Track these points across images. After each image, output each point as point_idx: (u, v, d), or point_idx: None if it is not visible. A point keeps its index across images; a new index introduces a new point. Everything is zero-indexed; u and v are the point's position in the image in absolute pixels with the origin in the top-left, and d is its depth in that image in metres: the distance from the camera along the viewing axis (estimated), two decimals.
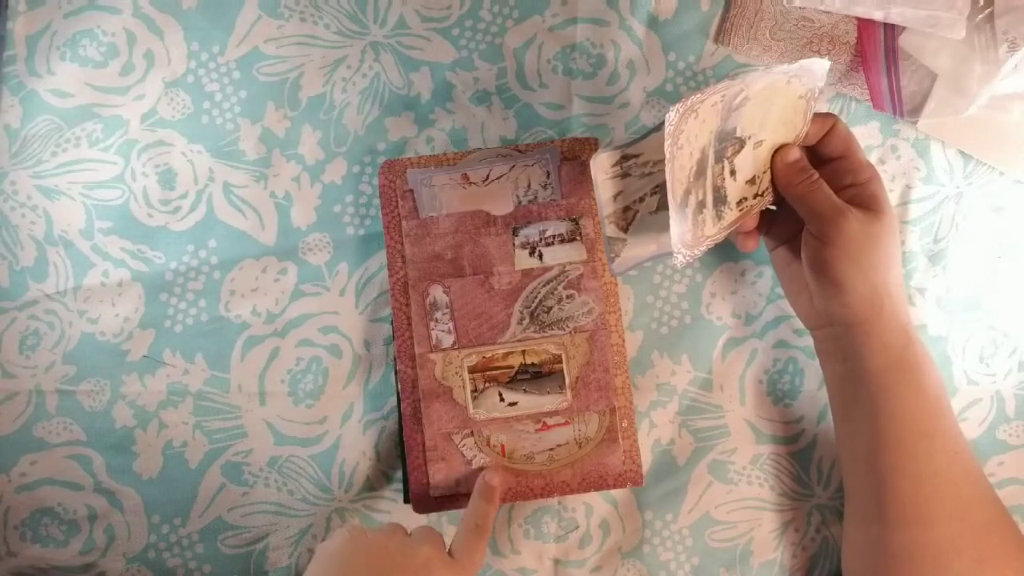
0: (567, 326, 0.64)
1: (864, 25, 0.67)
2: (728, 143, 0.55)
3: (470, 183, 0.65)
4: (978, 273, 0.68)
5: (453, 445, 0.64)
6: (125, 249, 0.69)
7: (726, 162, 0.56)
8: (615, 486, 0.64)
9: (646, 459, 0.67)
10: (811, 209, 0.58)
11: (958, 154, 0.68)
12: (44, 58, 0.69)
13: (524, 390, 0.64)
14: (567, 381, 0.64)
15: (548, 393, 0.64)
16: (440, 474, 0.64)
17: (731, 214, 0.58)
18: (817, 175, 0.59)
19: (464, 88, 0.69)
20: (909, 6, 0.66)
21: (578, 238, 0.65)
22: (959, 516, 0.58)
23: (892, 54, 0.67)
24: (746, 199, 0.59)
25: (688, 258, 0.55)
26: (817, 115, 0.59)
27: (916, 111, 0.67)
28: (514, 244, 0.65)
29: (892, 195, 0.68)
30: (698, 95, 0.50)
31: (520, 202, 0.65)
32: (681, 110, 0.50)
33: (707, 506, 0.67)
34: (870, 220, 0.57)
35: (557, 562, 0.67)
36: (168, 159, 0.69)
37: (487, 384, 0.64)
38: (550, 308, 0.65)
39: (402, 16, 0.69)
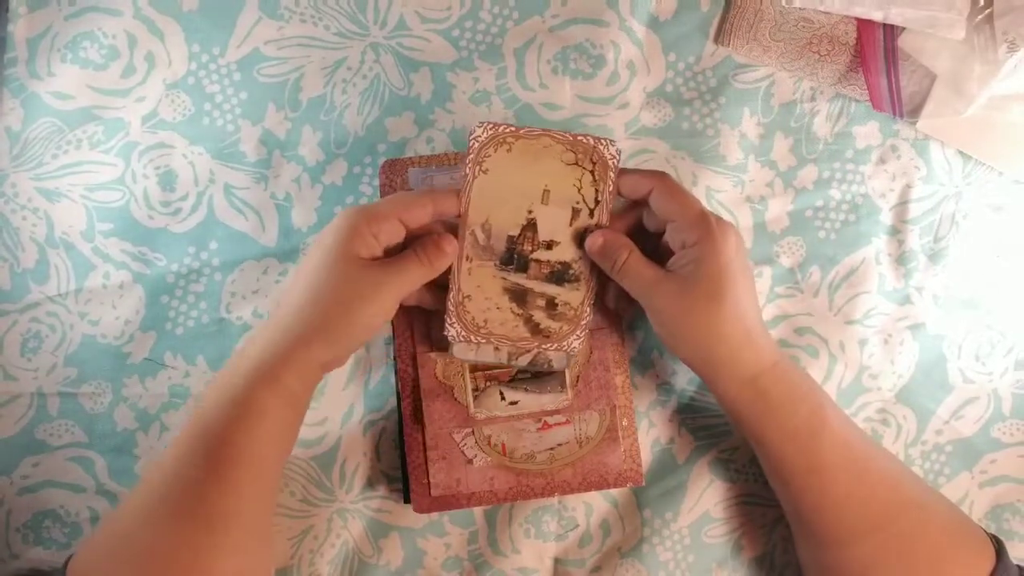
0: None
1: (863, 25, 0.69)
2: (519, 248, 0.61)
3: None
4: (977, 272, 0.69)
5: (454, 444, 0.66)
6: (126, 251, 0.70)
7: (535, 257, 0.61)
8: (615, 485, 0.66)
9: (646, 458, 0.69)
10: (627, 289, 0.60)
11: (957, 154, 0.69)
12: (45, 60, 0.70)
13: (525, 389, 0.66)
14: (568, 380, 0.66)
15: (549, 392, 0.66)
16: (441, 473, 0.66)
17: (583, 262, 0.62)
18: (624, 257, 0.59)
19: (464, 88, 0.71)
20: (908, 6, 0.67)
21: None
22: (876, 529, 0.58)
23: (891, 54, 0.69)
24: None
25: (581, 334, 0.62)
26: (637, 173, 0.60)
27: (915, 111, 0.68)
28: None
29: (892, 194, 0.70)
30: (450, 295, 0.61)
31: None
32: (454, 323, 0.61)
33: (707, 504, 0.69)
34: (686, 290, 0.56)
35: (557, 561, 0.69)
36: (169, 161, 0.70)
37: (488, 383, 0.66)
38: None
39: (402, 17, 0.71)
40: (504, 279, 0.61)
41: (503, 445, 0.66)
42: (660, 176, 0.59)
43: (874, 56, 0.69)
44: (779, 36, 0.70)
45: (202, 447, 0.55)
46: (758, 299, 0.62)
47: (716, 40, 0.71)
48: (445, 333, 0.61)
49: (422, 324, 0.66)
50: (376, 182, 0.70)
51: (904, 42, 0.68)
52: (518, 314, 0.62)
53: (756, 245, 0.70)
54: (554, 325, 0.62)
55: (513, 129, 0.58)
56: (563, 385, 0.66)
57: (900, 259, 0.69)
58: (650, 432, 0.69)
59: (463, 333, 0.62)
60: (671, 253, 0.59)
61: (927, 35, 0.68)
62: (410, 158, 0.68)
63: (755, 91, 0.70)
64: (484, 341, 0.62)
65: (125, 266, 0.70)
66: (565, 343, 0.62)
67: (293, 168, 0.70)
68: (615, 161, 0.60)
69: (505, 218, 0.60)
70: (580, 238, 0.61)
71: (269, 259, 0.70)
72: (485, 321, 0.62)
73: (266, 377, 0.55)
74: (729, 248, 0.56)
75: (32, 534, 0.69)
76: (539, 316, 0.62)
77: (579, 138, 0.59)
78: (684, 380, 0.69)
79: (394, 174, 0.68)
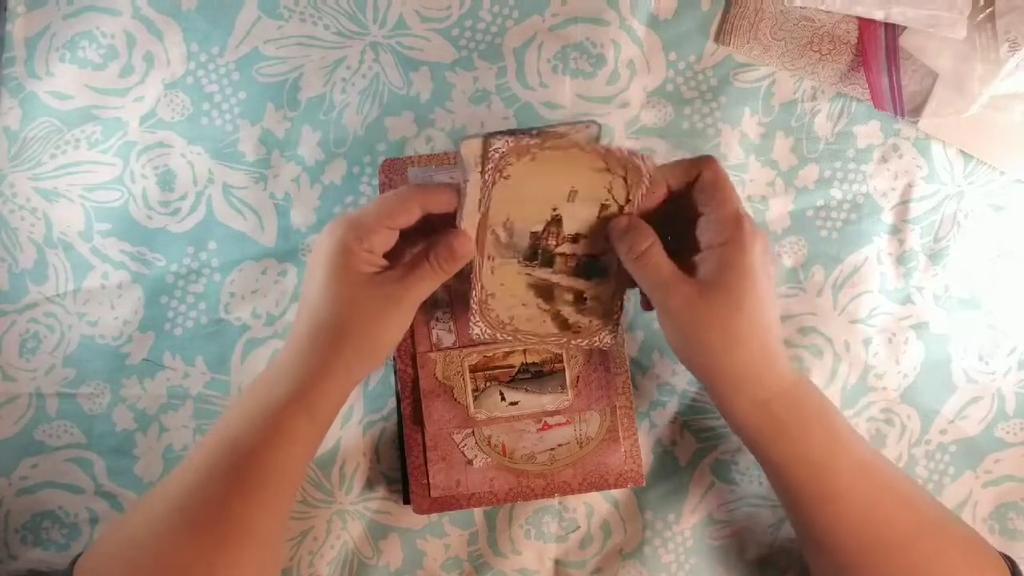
0: None
1: (865, 25, 0.70)
2: (543, 243, 0.59)
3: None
4: (978, 271, 0.71)
5: (454, 445, 0.67)
6: (124, 251, 0.71)
7: (560, 251, 0.60)
8: (616, 486, 0.67)
9: (647, 459, 0.70)
10: (640, 283, 0.57)
11: (959, 153, 0.70)
12: (43, 60, 0.71)
13: (525, 389, 0.67)
14: (568, 380, 0.67)
15: (549, 392, 0.67)
16: (440, 474, 0.67)
17: (613, 253, 0.59)
18: (645, 246, 0.56)
19: (464, 88, 0.72)
20: (910, 6, 0.68)
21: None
22: (894, 553, 0.57)
23: (893, 54, 0.70)
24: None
25: (614, 329, 0.61)
26: (685, 162, 0.57)
27: (917, 111, 0.70)
28: None
29: (893, 194, 0.71)
30: (473, 293, 0.59)
31: None
32: (478, 321, 0.60)
33: (709, 506, 0.70)
34: (705, 294, 0.54)
35: (558, 563, 0.70)
36: (167, 160, 0.72)
37: (488, 383, 0.67)
38: None
39: (402, 16, 0.72)
40: (529, 275, 0.60)
41: (503, 446, 0.67)
42: (711, 161, 0.56)
43: (875, 55, 0.70)
44: (780, 35, 0.71)
45: (228, 463, 0.55)
46: (779, 315, 0.60)
47: (717, 39, 0.72)
48: (470, 331, 0.61)
49: (422, 324, 0.67)
50: (375, 181, 0.71)
51: (905, 41, 0.69)
52: (545, 310, 0.61)
53: None
54: (583, 320, 0.61)
55: (534, 142, 0.54)
56: (563, 385, 0.67)
57: (900, 258, 0.71)
58: (651, 433, 0.71)
59: (488, 331, 0.61)
60: (694, 252, 0.56)
61: (928, 34, 0.69)
62: (410, 157, 0.69)
63: (756, 90, 0.71)
64: (511, 338, 0.61)
65: (124, 266, 0.71)
66: (596, 338, 0.61)
67: (292, 168, 0.72)
68: (649, 172, 0.56)
69: (528, 216, 0.58)
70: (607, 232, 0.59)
71: (268, 259, 0.71)
72: (511, 318, 0.61)
73: (298, 401, 0.56)
74: (756, 255, 0.54)
75: (31, 535, 0.71)
76: (567, 311, 0.61)
77: (612, 151, 0.55)
78: (685, 381, 0.71)
79: (394, 174, 0.69)
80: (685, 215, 0.57)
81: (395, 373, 0.68)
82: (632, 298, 0.70)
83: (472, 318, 0.60)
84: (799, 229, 0.71)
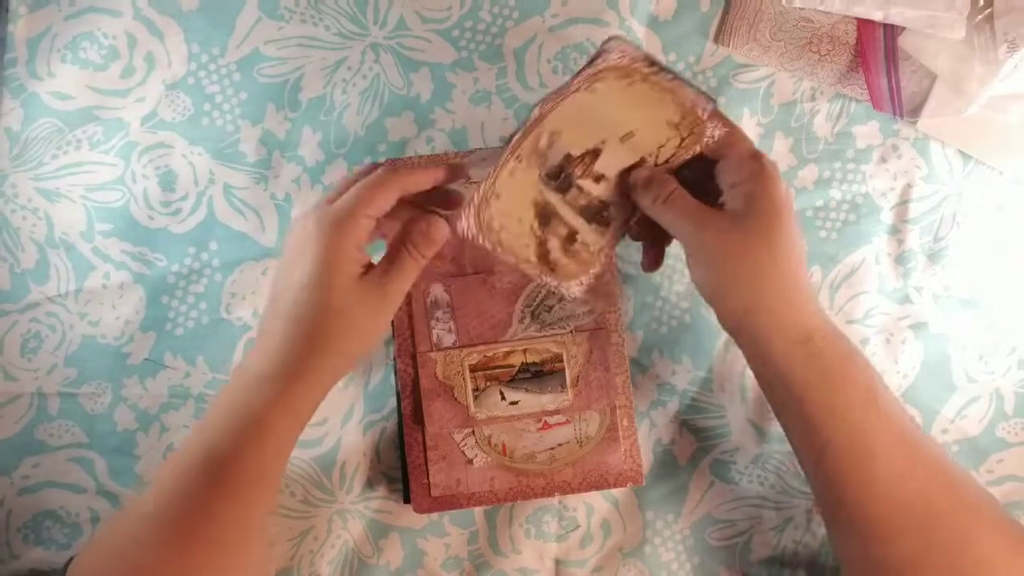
0: (568, 325, 0.68)
1: (864, 25, 0.70)
2: (570, 169, 0.59)
3: (471, 182, 0.68)
4: (978, 271, 0.71)
5: (454, 444, 0.68)
6: (126, 251, 0.72)
7: (580, 182, 0.59)
8: (616, 485, 0.68)
9: (647, 459, 0.70)
10: (668, 226, 0.57)
11: (957, 153, 0.71)
12: (45, 61, 0.72)
13: (525, 389, 0.68)
14: (568, 380, 0.68)
15: (549, 392, 0.68)
16: (440, 473, 0.67)
17: (621, 209, 0.60)
18: (671, 189, 0.57)
19: (464, 88, 0.72)
20: (909, 6, 0.69)
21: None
22: (925, 526, 0.54)
23: (892, 54, 0.70)
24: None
25: (587, 281, 0.60)
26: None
27: (916, 111, 0.70)
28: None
29: (892, 194, 0.71)
30: (484, 184, 0.57)
31: None
32: (470, 215, 0.57)
33: (708, 506, 0.71)
34: (738, 223, 0.54)
35: (558, 562, 0.71)
36: (168, 161, 0.72)
37: (488, 383, 0.68)
38: (551, 307, 0.68)
39: (402, 17, 0.72)
40: (540, 192, 0.59)
41: (503, 445, 0.68)
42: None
43: (874, 56, 0.70)
44: (779, 36, 0.71)
45: (209, 469, 0.54)
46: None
47: (716, 40, 0.72)
48: (455, 223, 0.58)
49: (423, 324, 0.68)
50: None
51: (904, 42, 0.70)
52: (536, 234, 0.60)
53: None
54: (563, 260, 0.60)
55: (645, 71, 0.56)
56: (563, 385, 0.68)
57: (899, 259, 0.71)
58: (651, 433, 0.71)
59: (473, 230, 0.58)
60: (715, 200, 0.57)
61: (927, 35, 0.69)
62: (411, 158, 0.70)
63: (755, 91, 0.72)
64: (489, 247, 0.59)
65: (125, 266, 0.72)
66: (566, 283, 0.60)
67: (293, 168, 0.72)
68: (708, 142, 0.58)
69: (575, 137, 0.58)
70: (627, 185, 0.59)
71: (269, 259, 0.72)
72: (500, 227, 0.59)
73: (283, 404, 0.55)
74: (783, 189, 0.55)
75: (32, 534, 0.71)
76: (554, 245, 0.60)
77: (696, 107, 0.57)
78: (685, 381, 0.71)
79: None
80: (697, 172, 0.58)
81: (395, 373, 0.69)
82: (632, 299, 0.70)
83: (465, 211, 0.58)
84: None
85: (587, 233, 0.60)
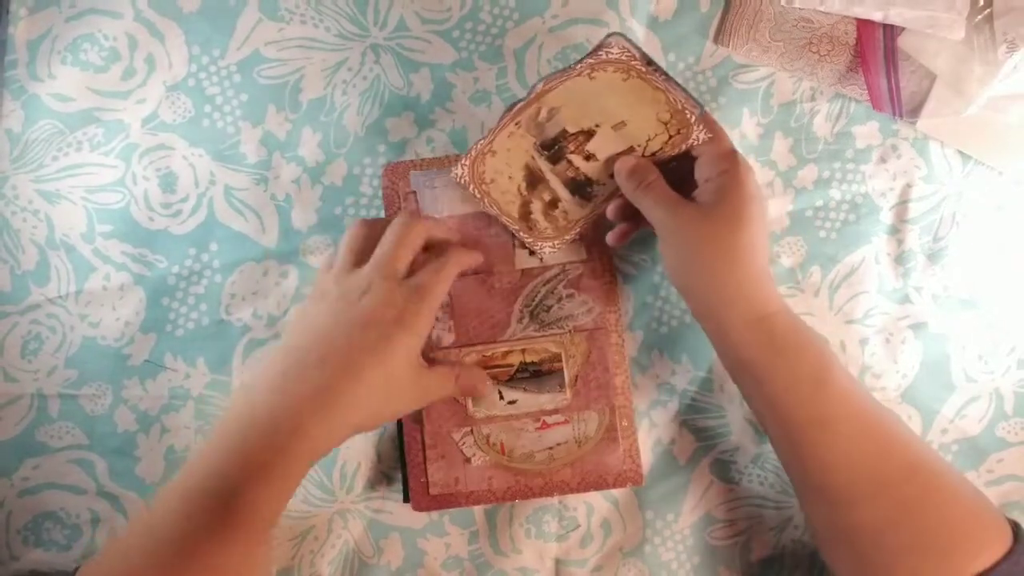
0: (567, 325, 0.68)
1: (863, 26, 0.71)
2: (564, 143, 0.65)
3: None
4: (978, 271, 0.71)
5: (452, 443, 0.68)
6: (126, 253, 0.72)
7: (571, 157, 0.66)
8: (615, 486, 0.68)
9: (647, 459, 0.71)
10: (645, 211, 0.62)
11: (957, 153, 0.71)
12: (45, 62, 0.72)
13: (524, 388, 0.68)
14: (567, 380, 0.68)
15: (547, 392, 0.68)
16: (439, 472, 0.68)
17: (604, 188, 0.66)
18: (652, 178, 0.62)
19: (464, 88, 0.73)
20: (908, 7, 0.69)
21: (578, 238, 0.69)
22: (887, 490, 0.57)
23: (891, 55, 0.70)
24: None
25: (559, 245, 0.68)
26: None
27: (915, 111, 0.70)
28: (514, 244, 0.69)
29: (892, 194, 0.71)
30: (483, 141, 0.65)
31: None
32: (466, 164, 0.66)
33: (708, 505, 0.71)
34: (707, 214, 0.59)
35: (558, 562, 0.71)
36: (169, 162, 0.72)
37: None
38: (550, 307, 0.68)
39: (402, 18, 0.72)
40: (533, 158, 0.66)
41: (502, 444, 0.68)
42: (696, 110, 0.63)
43: (874, 56, 0.71)
44: (778, 36, 0.71)
45: (218, 505, 0.54)
46: (769, 245, 0.65)
47: (715, 40, 0.72)
48: (452, 169, 0.67)
49: None
50: (376, 183, 0.72)
51: (904, 42, 0.70)
52: (522, 193, 0.67)
53: None
54: (542, 222, 0.67)
55: (642, 69, 0.62)
56: (562, 385, 0.68)
57: (899, 259, 0.71)
58: (651, 432, 0.71)
59: (467, 177, 0.66)
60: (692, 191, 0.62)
61: (927, 35, 0.69)
62: (412, 160, 0.70)
63: (755, 91, 0.72)
64: (478, 195, 0.67)
65: (125, 268, 0.72)
66: (540, 244, 0.68)
67: (293, 169, 0.72)
68: (694, 143, 0.63)
69: (572, 116, 0.64)
70: (614, 169, 0.65)
71: (269, 261, 0.72)
72: (491, 180, 0.67)
73: (297, 443, 0.56)
74: (752, 184, 0.59)
75: (32, 536, 0.71)
76: (536, 207, 0.67)
77: (685, 109, 0.62)
78: (685, 380, 0.71)
79: (396, 176, 0.70)
80: (680, 167, 0.63)
81: None
82: (632, 299, 0.71)
83: (464, 159, 0.66)
84: (798, 229, 0.72)
85: (569, 203, 0.66)
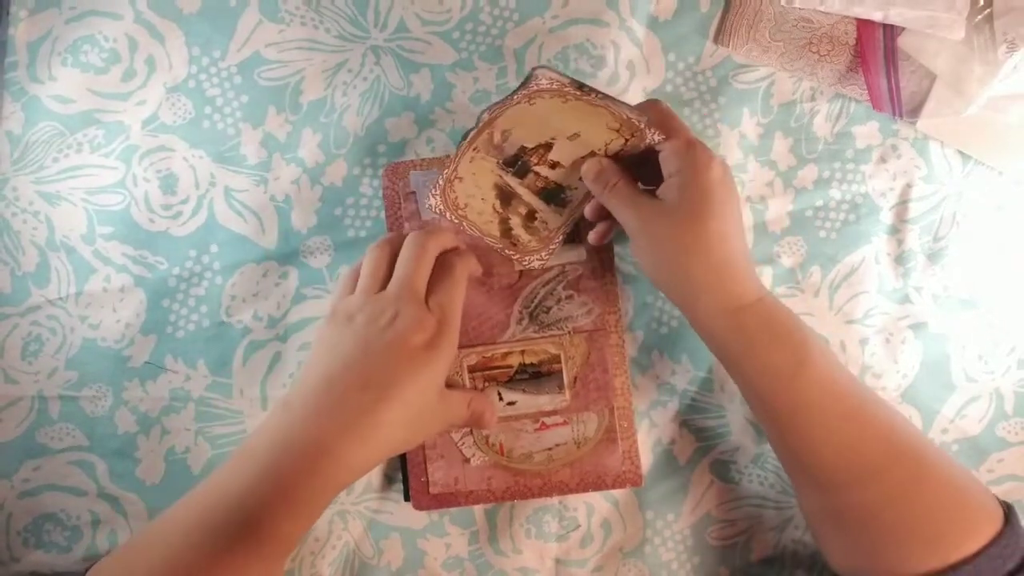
0: (566, 326, 0.68)
1: (863, 26, 0.71)
2: (526, 157, 0.65)
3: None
4: (978, 271, 0.71)
5: (452, 443, 0.68)
6: (127, 254, 0.72)
7: (536, 168, 0.65)
8: (614, 486, 0.68)
9: (647, 459, 0.71)
10: (613, 213, 0.63)
11: (957, 153, 0.71)
12: (46, 64, 0.72)
13: (523, 390, 0.68)
14: (566, 381, 0.68)
15: (546, 393, 0.68)
16: (439, 472, 0.68)
17: (577, 191, 0.66)
18: (615, 181, 0.62)
19: (464, 88, 0.73)
20: (908, 7, 0.69)
21: (577, 239, 0.69)
22: (876, 474, 0.57)
23: (891, 55, 0.71)
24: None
25: (546, 256, 0.68)
26: (634, 112, 0.62)
27: (915, 111, 0.70)
28: None
29: (892, 194, 0.71)
30: (447, 170, 0.65)
31: None
32: (437, 194, 0.66)
33: (708, 505, 0.71)
34: (668, 211, 0.59)
35: (558, 562, 0.71)
36: (169, 164, 0.72)
37: (486, 383, 0.68)
38: (549, 308, 0.69)
39: (402, 20, 0.73)
40: (500, 176, 0.65)
41: (501, 445, 0.68)
42: (655, 102, 0.64)
43: (874, 56, 0.71)
44: (778, 36, 0.72)
45: (243, 525, 0.53)
46: (745, 233, 0.65)
47: (716, 40, 0.72)
48: (426, 201, 0.67)
49: None
50: (376, 183, 0.72)
51: (904, 42, 0.70)
52: (498, 212, 0.67)
53: (757, 245, 0.72)
54: (524, 236, 0.67)
55: (576, 93, 0.61)
56: (560, 386, 0.68)
57: (899, 259, 0.71)
58: (651, 432, 0.71)
59: (441, 206, 0.66)
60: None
61: (927, 35, 0.69)
62: (412, 161, 0.70)
63: (755, 91, 0.72)
64: (457, 222, 0.67)
65: (126, 269, 0.72)
66: (527, 258, 0.68)
67: (292, 170, 0.72)
68: (650, 142, 0.62)
69: (527, 135, 0.64)
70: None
71: (269, 262, 0.72)
72: (466, 205, 0.66)
73: (333, 469, 0.56)
74: (713, 174, 0.59)
75: (33, 538, 0.72)
76: (515, 222, 0.67)
77: (631, 118, 0.61)
78: (685, 380, 0.71)
79: (396, 177, 0.70)
80: (649, 163, 0.63)
81: None
82: (632, 299, 0.71)
83: (433, 190, 0.66)
84: (798, 229, 0.72)
85: (546, 212, 0.66)
